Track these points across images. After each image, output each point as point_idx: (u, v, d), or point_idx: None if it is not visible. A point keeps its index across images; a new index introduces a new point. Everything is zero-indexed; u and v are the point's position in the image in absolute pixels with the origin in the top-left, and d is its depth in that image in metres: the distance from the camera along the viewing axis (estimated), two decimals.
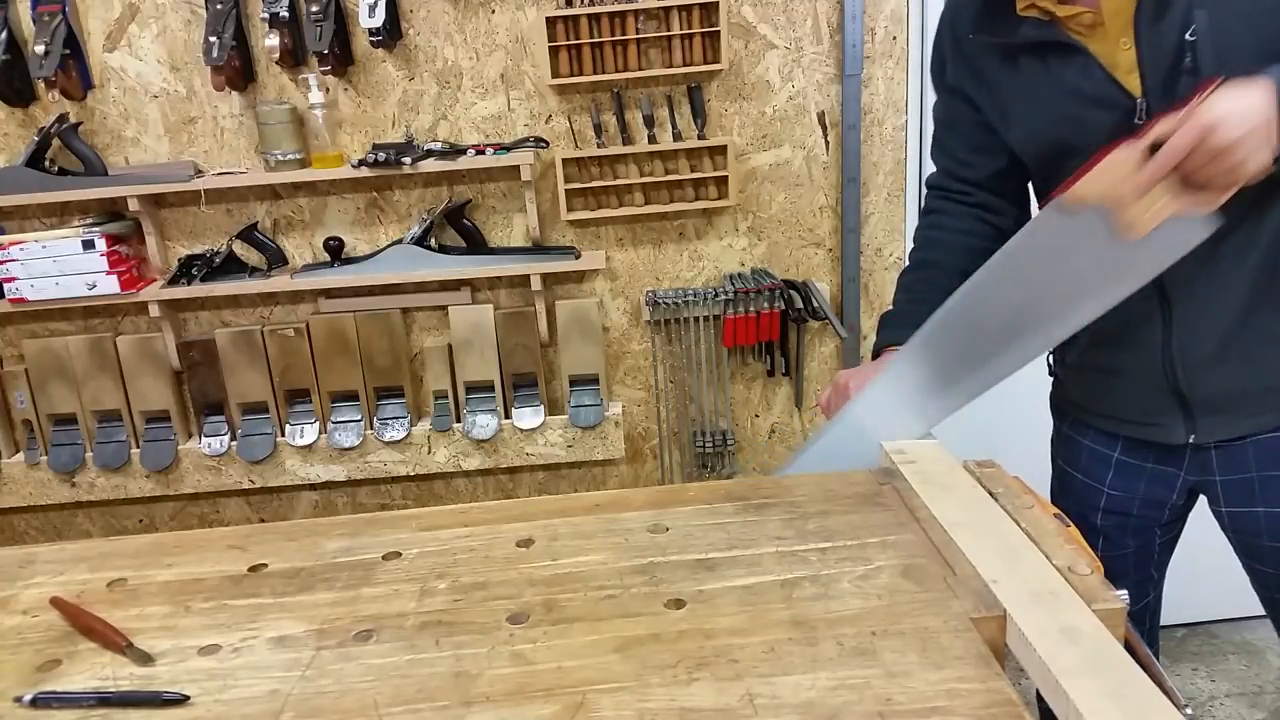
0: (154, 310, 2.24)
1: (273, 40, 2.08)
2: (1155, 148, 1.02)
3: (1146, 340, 1.24)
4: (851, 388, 1.29)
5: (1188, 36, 1.07)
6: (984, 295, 1.18)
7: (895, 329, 1.34)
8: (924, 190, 1.47)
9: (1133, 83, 1.13)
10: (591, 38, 2.10)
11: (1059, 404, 1.46)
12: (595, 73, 2.13)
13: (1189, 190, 1.02)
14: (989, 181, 1.35)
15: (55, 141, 2.14)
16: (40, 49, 2.06)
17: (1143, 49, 1.11)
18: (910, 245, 1.48)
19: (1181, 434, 1.27)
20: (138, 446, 2.37)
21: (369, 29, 2.06)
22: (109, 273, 2.18)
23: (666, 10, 2.10)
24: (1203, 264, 1.11)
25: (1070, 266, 1.13)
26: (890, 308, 1.42)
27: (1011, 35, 1.20)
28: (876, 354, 1.37)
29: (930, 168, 1.44)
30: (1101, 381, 1.33)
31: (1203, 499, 1.35)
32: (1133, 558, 1.40)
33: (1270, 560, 1.29)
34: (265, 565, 1.07)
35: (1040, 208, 1.36)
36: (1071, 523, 1.02)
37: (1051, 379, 1.45)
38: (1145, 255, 1.10)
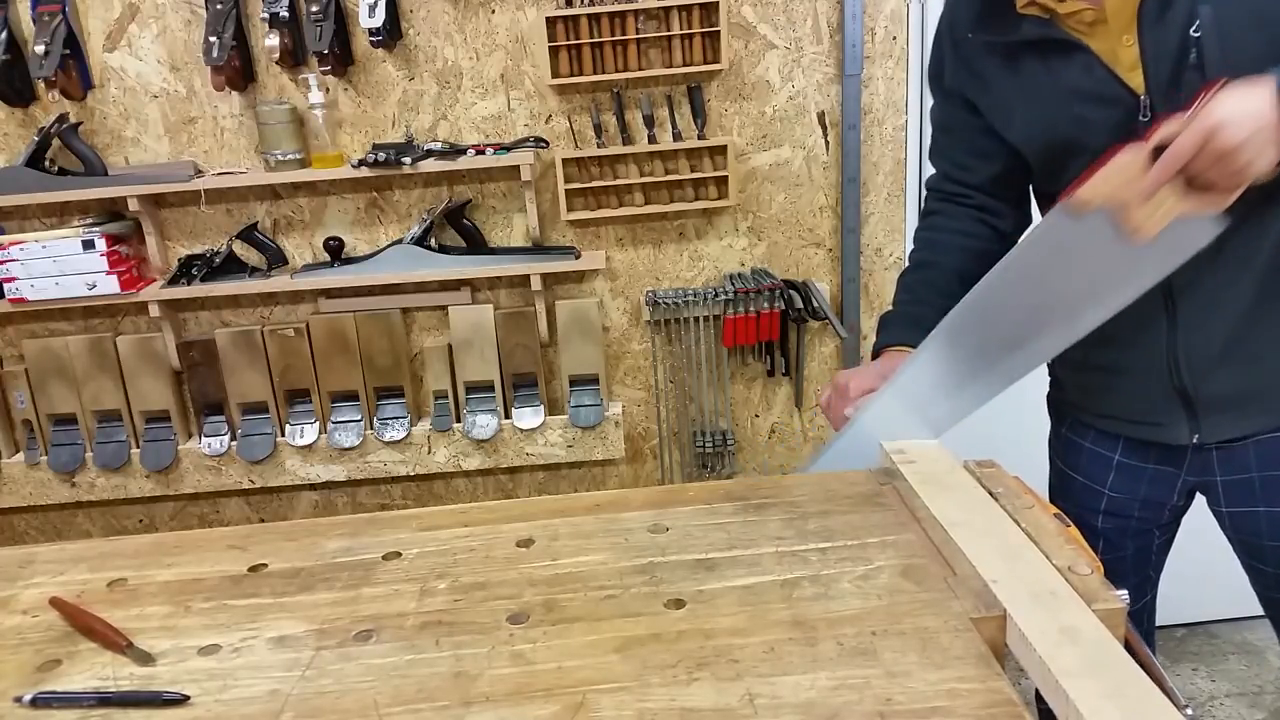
0: (154, 310, 2.24)
1: (273, 40, 2.08)
2: (1159, 150, 1.01)
3: (1151, 339, 1.23)
4: (851, 388, 1.28)
5: (1192, 32, 1.07)
6: (993, 299, 1.17)
7: (895, 330, 1.34)
8: (924, 191, 1.47)
9: (1135, 79, 1.13)
10: (591, 38, 2.10)
11: (1057, 405, 1.45)
12: (595, 73, 2.13)
13: (1195, 191, 1.01)
14: (987, 185, 1.35)
15: (55, 141, 2.14)
16: (40, 49, 2.06)
17: (1146, 45, 1.11)
18: (910, 246, 1.48)
19: (1185, 434, 1.27)
20: (138, 446, 2.37)
21: (369, 29, 2.06)
22: (109, 273, 2.18)
23: (666, 10, 2.10)
24: (1209, 263, 1.11)
25: (1078, 269, 1.12)
26: (890, 309, 1.42)
27: (1011, 34, 1.20)
28: (876, 354, 1.36)
29: (931, 169, 1.44)
30: (1104, 381, 1.33)
31: (1200, 499, 1.35)
32: (1131, 560, 1.39)
33: (1270, 559, 1.29)
34: (265, 565, 1.06)
35: (1041, 210, 1.36)
36: (1071, 523, 1.02)
37: (1049, 379, 1.45)
38: (1153, 257, 1.09)
